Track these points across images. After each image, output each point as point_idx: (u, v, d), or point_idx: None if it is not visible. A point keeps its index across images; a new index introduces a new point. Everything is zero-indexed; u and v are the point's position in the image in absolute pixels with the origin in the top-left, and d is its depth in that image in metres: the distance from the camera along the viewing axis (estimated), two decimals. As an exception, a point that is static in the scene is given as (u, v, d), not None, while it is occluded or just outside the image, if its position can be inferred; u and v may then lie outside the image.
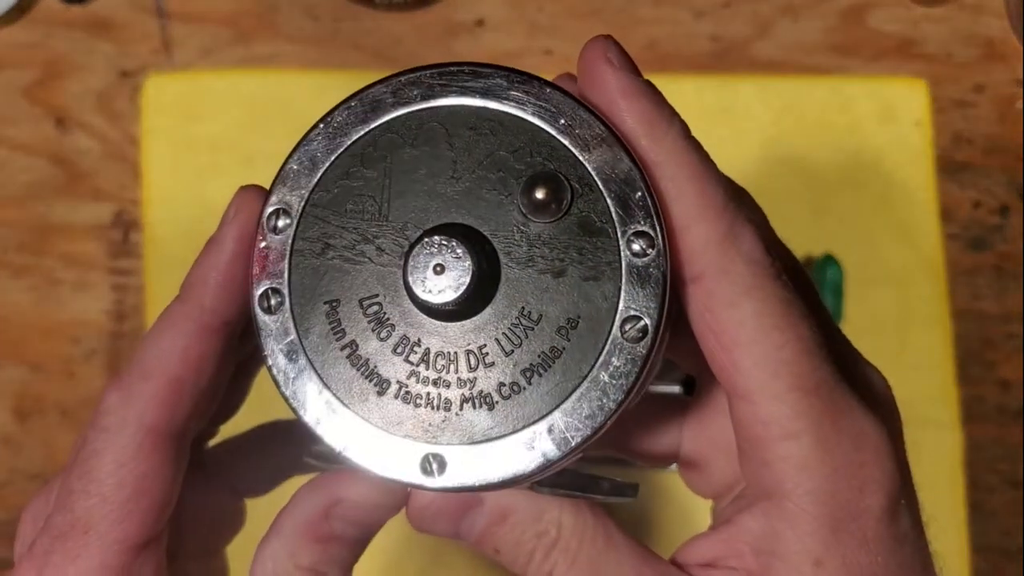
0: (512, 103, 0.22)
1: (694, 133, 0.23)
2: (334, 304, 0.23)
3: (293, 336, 0.23)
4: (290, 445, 0.31)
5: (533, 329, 0.22)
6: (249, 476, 0.31)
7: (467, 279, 0.21)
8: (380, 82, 0.23)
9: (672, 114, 0.22)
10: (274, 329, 0.23)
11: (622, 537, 0.24)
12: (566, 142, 0.22)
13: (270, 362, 0.23)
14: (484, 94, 0.22)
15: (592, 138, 0.22)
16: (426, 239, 0.21)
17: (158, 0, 0.55)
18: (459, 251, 0.21)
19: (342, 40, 0.56)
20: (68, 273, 0.53)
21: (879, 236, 0.54)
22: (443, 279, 0.21)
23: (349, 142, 0.23)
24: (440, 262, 0.21)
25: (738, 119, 0.55)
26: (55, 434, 0.52)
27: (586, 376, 0.21)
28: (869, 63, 0.56)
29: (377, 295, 0.22)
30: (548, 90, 0.22)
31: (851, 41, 0.56)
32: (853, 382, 0.23)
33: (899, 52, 0.56)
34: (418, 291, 0.21)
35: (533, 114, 0.22)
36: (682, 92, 0.55)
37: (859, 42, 0.56)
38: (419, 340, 0.22)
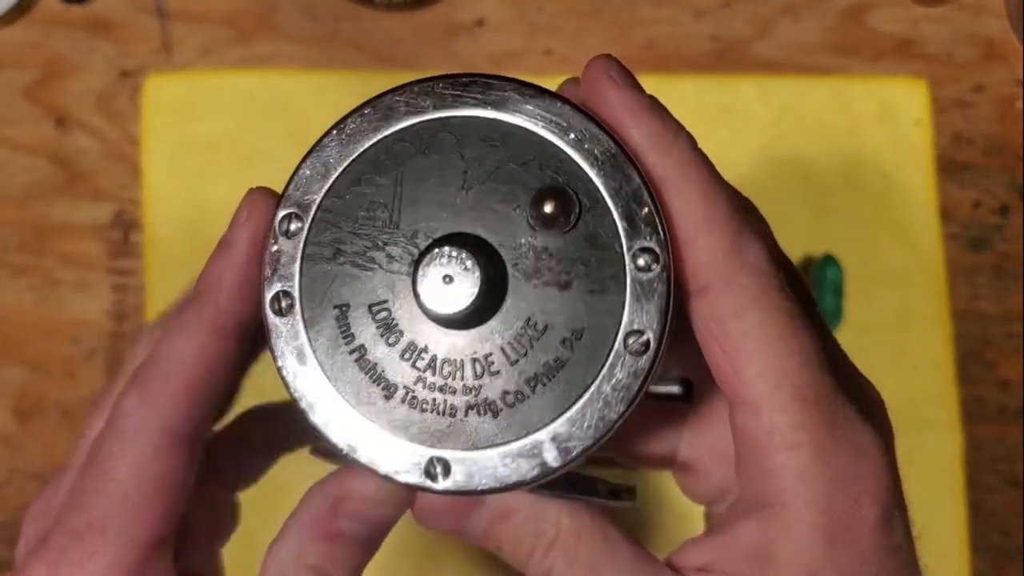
0: (523, 116, 0.22)
1: (694, 133, 0.23)
2: (344, 309, 0.23)
3: (303, 339, 0.23)
4: (272, 428, 0.31)
5: (539, 339, 0.22)
6: (236, 466, 0.31)
7: (475, 291, 0.21)
8: (393, 91, 0.23)
9: (678, 128, 0.23)
10: (284, 331, 0.23)
11: (620, 538, 0.24)
12: (575, 156, 0.22)
13: (280, 363, 0.23)
14: (496, 106, 0.23)
15: (601, 153, 0.22)
16: (436, 249, 0.22)
17: (158, 0, 0.55)
18: (468, 263, 0.21)
19: (342, 40, 0.56)
20: (68, 273, 0.53)
21: (879, 236, 0.54)
22: (452, 290, 0.21)
23: (361, 149, 0.23)
24: (449, 273, 0.21)
25: (738, 119, 0.55)
26: (55, 434, 0.52)
27: (589, 387, 0.22)
28: (869, 63, 0.56)
29: (386, 301, 0.23)
30: (559, 104, 0.23)
31: (851, 41, 0.56)
32: (849, 393, 0.23)
33: (899, 52, 0.56)
34: (427, 301, 0.22)
35: (543, 128, 0.22)
36: (682, 92, 0.55)
37: (859, 42, 0.56)
38: (426, 347, 0.23)
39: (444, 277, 0.21)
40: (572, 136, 0.22)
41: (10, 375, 0.53)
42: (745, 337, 0.22)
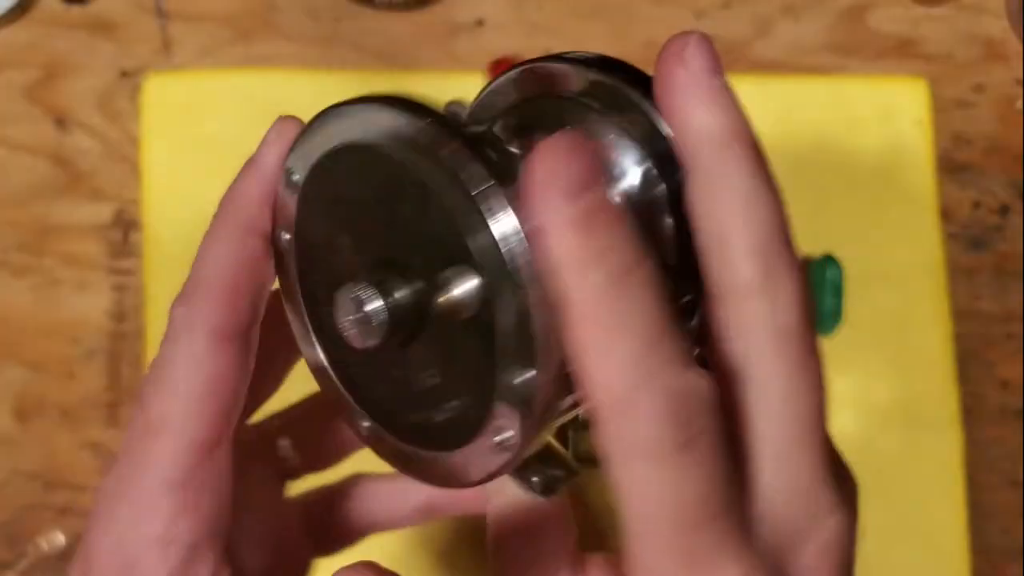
0: (465, 190, 0.20)
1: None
2: (320, 268, 0.25)
3: (295, 279, 0.25)
4: (375, 507, 0.33)
5: (435, 384, 0.23)
6: (332, 533, 0.33)
7: (378, 340, 0.22)
8: (372, 100, 0.22)
9: (601, 254, 0.19)
10: (286, 264, 0.25)
11: (549, 525, 0.25)
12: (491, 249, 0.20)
13: (281, 291, 0.26)
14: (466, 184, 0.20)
15: (509, 262, 0.20)
16: (354, 288, 0.22)
17: (158, 0, 0.55)
18: (380, 316, 0.21)
19: (342, 40, 0.56)
20: (68, 273, 0.53)
21: (879, 236, 0.54)
22: (360, 327, 0.22)
23: (354, 137, 0.23)
24: (358, 317, 0.22)
25: (738, 119, 0.54)
26: (55, 434, 0.52)
27: (456, 448, 0.23)
28: (869, 63, 0.56)
29: (346, 283, 0.22)
30: (496, 192, 0.20)
31: (851, 41, 0.56)
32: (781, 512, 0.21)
33: (899, 52, 0.56)
34: (340, 326, 0.22)
35: (487, 210, 0.20)
36: (682, 92, 0.55)
37: (859, 42, 0.56)
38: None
39: (358, 315, 0.21)
40: (494, 227, 0.20)
41: (10, 375, 0.53)
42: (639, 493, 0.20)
